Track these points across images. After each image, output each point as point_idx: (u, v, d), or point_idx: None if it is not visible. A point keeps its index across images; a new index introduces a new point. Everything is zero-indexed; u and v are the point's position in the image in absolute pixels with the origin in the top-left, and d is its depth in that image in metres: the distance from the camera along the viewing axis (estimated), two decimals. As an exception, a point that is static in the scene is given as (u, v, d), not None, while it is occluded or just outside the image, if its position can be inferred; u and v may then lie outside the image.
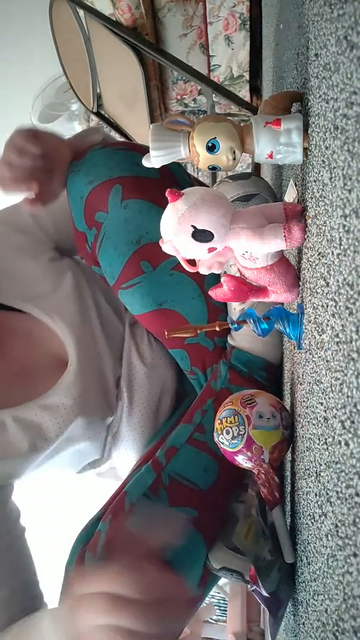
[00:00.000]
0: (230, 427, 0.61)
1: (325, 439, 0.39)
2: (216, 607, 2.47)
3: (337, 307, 0.35)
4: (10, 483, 0.86)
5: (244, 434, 0.60)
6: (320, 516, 0.41)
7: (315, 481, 0.44)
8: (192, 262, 0.51)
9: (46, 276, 0.91)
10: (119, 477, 0.95)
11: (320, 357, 0.41)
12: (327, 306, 0.38)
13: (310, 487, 0.46)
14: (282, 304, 0.62)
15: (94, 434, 0.87)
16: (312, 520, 0.45)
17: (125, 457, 0.92)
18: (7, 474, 0.83)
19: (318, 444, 0.42)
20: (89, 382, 0.85)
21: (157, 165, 0.54)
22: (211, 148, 0.50)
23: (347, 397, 0.32)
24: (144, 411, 0.90)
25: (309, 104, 0.47)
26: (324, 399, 0.39)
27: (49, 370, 0.85)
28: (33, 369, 0.87)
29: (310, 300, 0.47)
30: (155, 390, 0.91)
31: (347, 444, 0.32)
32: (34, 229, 0.94)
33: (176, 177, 0.84)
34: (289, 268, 0.53)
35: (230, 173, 0.67)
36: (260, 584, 0.57)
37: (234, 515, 0.77)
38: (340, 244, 0.34)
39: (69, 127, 2.71)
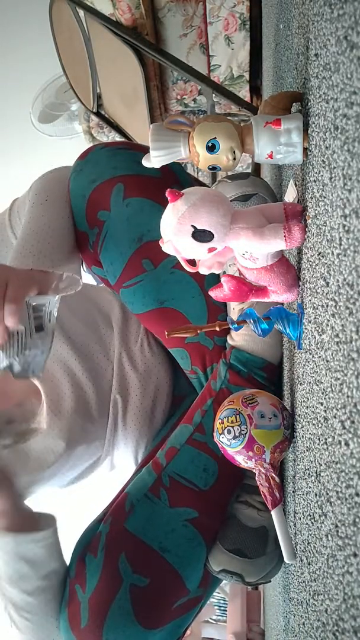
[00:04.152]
0: (232, 427, 0.61)
1: (325, 439, 0.39)
2: (216, 607, 2.47)
3: (337, 307, 0.35)
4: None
5: (245, 434, 0.60)
6: (320, 516, 0.41)
7: (315, 481, 0.44)
8: (192, 262, 0.51)
9: None
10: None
11: (320, 357, 0.41)
12: (327, 306, 0.38)
13: (310, 487, 0.46)
14: (282, 304, 0.62)
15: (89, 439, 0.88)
16: (312, 520, 0.45)
17: (123, 454, 0.92)
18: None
19: (318, 444, 0.42)
20: (63, 413, 0.85)
21: (157, 165, 0.54)
22: (211, 148, 0.50)
23: (347, 397, 0.32)
24: (139, 414, 0.91)
25: (309, 104, 0.47)
26: (324, 399, 0.39)
27: (29, 394, 0.86)
28: (12, 395, 0.87)
29: (310, 300, 0.47)
30: (149, 393, 0.91)
31: (347, 444, 0.32)
32: None
33: (177, 177, 0.84)
34: (289, 268, 0.53)
35: (229, 173, 0.67)
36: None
37: (234, 516, 0.77)
38: (340, 244, 0.34)
39: (69, 127, 2.71)
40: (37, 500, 0.85)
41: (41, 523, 0.75)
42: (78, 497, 0.81)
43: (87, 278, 0.97)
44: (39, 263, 0.74)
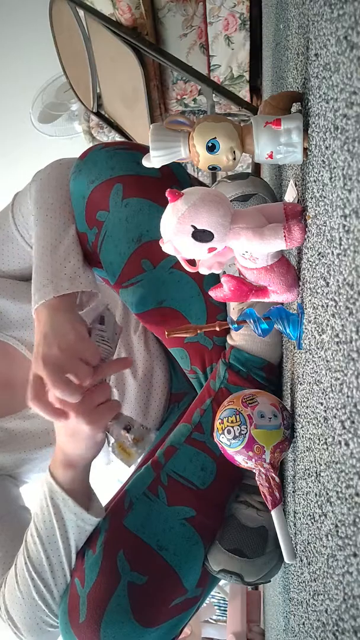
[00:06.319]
0: (232, 427, 0.61)
1: (325, 439, 0.39)
2: (216, 607, 2.47)
3: (337, 307, 0.35)
4: (18, 473, 0.92)
5: (245, 434, 0.60)
6: (320, 516, 0.41)
7: (315, 481, 0.44)
8: (192, 262, 0.51)
9: (16, 306, 0.92)
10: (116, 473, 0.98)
11: (320, 357, 0.41)
12: (327, 306, 0.38)
13: (310, 487, 0.46)
14: (282, 304, 0.62)
15: None
16: (312, 520, 0.45)
17: None
18: (13, 464, 0.89)
19: (318, 444, 0.42)
20: None
21: (157, 165, 0.54)
22: (211, 148, 0.50)
23: (347, 397, 0.32)
24: (133, 408, 0.93)
25: (309, 104, 0.47)
26: (324, 399, 0.39)
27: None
28: (15, 383, 0.89)
29: (310, 300, 0.47)
30: (144, 388, 0.93)
31: (347, 444, 0.32)
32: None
33: (176, 177, 0.84)
34: (289, 268, 0.53)
35: (229, 173, 0.67)
36: None
37: (233, 515, 0.77)
38: (340, 244, 0.34)
39: (69, 127, 2.71)
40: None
41: (93, 507, 0.76)
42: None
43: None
44: (57, 288, 0.75)
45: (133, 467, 0.93)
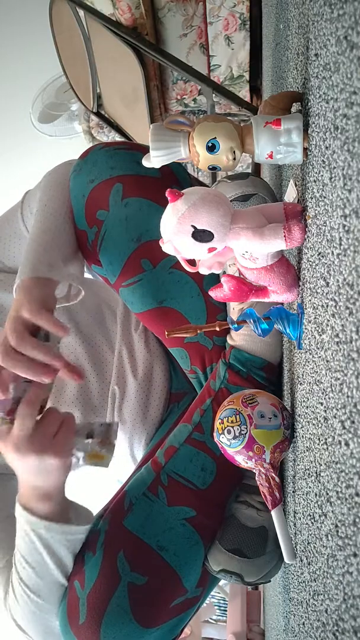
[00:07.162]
0: (232, 427, 0.61)
1: (325, 439, 0.39)
2: (216, 607, 2.47)
3: (337, 307, 0.35)
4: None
5: (245, 434, 0.60)
6: (320, 516, 0.41)
7: (315, 481, 0.44)
8: (192, 262, 0.51)
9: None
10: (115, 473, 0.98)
11: (320, 357, 0.41)
12: (327, 306, 0.38)
13: (310, 487, 0.46)
14: (282, 304, 0.62)
15: None
16: (312, 520, 0.45)
17: (118, 447, 0.93)
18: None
19: (318, 444, 0.42)
20: (65, 400, 0.90)
21: (157, 165, 0.54)
22: (211, 148, 0.50)
23: (347, 397, 0.32)
24: (133, 407, 0.92)
25: (309, 104, 0.47)
26: (324, 399, 0.39)
27: None
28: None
29: (310, 300, 0.47)
30: (144, 387, 0.93)
31: (347, 444, 0.32)
32: None
33: (176, 177, 0.84)
34: (289, 268, 0.53)
35: (229, 173, 0.67)
36: None
37: (233, 515, 0.77)
38: (340, 244, 0.34)
39: (69, 127, 2.71)
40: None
41: (77, 517, 0.75)
42: (78, 494, 0.82)
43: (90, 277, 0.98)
44: (34, 270, 0.75)
45: (133, 465, 0.93)
